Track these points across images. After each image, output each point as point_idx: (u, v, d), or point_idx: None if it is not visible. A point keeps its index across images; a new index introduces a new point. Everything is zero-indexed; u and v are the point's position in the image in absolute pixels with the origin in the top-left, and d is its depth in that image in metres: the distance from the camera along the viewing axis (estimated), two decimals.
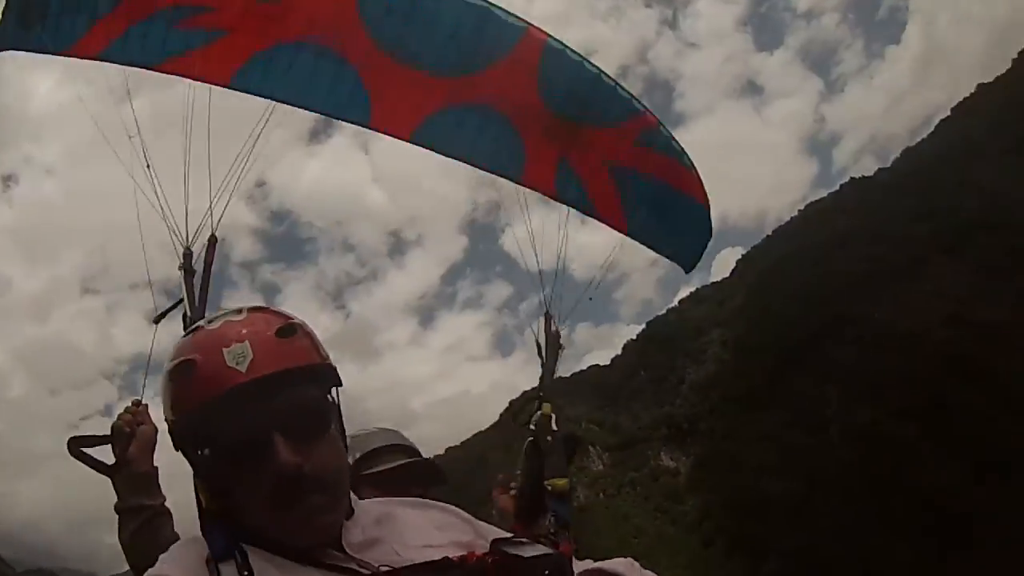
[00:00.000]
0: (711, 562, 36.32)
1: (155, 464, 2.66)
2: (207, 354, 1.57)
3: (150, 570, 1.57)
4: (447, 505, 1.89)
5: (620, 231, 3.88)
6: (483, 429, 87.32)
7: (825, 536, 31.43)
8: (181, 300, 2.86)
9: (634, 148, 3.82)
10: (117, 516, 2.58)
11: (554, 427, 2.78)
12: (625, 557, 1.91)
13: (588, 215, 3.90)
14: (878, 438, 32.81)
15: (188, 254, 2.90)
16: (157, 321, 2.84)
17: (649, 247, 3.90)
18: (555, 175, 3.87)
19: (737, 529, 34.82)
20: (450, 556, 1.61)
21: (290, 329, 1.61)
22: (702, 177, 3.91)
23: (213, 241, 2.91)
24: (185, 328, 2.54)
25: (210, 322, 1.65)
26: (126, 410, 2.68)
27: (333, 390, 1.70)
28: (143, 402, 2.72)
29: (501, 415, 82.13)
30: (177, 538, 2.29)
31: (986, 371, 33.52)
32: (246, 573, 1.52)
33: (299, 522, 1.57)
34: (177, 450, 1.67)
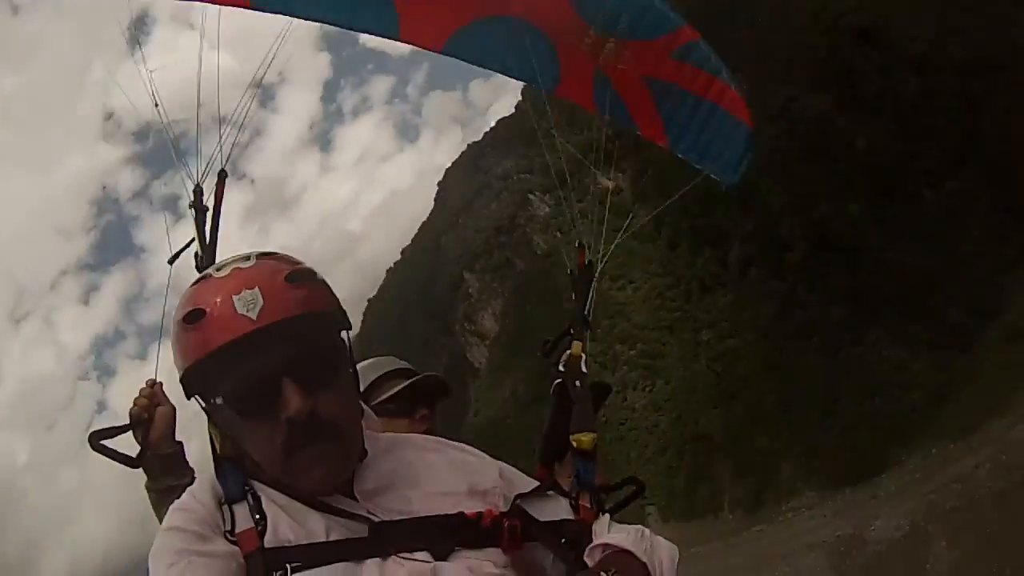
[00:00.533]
0: (681, 261, 38.55)
1: (179, 440, 2.61)
2: (217, 302, 1.57)
3: (174, 503, 1.67)
4: (468, 447, 1.90)
5: (661, 144, 4.07)
6: (426, 218, 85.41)
7: (777, 214, 33.13)
8: (193, 239, 2.82)
9: (671, 61, 3.93)
10: (148, 494, 2.57)
11: (583, 369, 2.54)
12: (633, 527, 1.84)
13: (625, 125, 4.11)
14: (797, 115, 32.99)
15: (198, 191, 2.84)
16: (172, 261, 2.80)
17: (689, 160, 4.08)
18: (592, 88, 4.02)
19: (695, 224, 36.56)
20: (465, 512, 1.64)
21: (299, 275, 1.63)
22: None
23: (223, 176, 2.85)
24: (197, 267, 2.67)
25: (219, 269, 1.65)
26: (141, 393, 2.61)
27: (344, 333, 1.72)
28: (158, 381, 2.65)
29: (438, 187, 79.14)
30: None
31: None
32: (257, 516, 1.59)
33: (310, 467, 1.60)
34: (189, 399, 1.69)
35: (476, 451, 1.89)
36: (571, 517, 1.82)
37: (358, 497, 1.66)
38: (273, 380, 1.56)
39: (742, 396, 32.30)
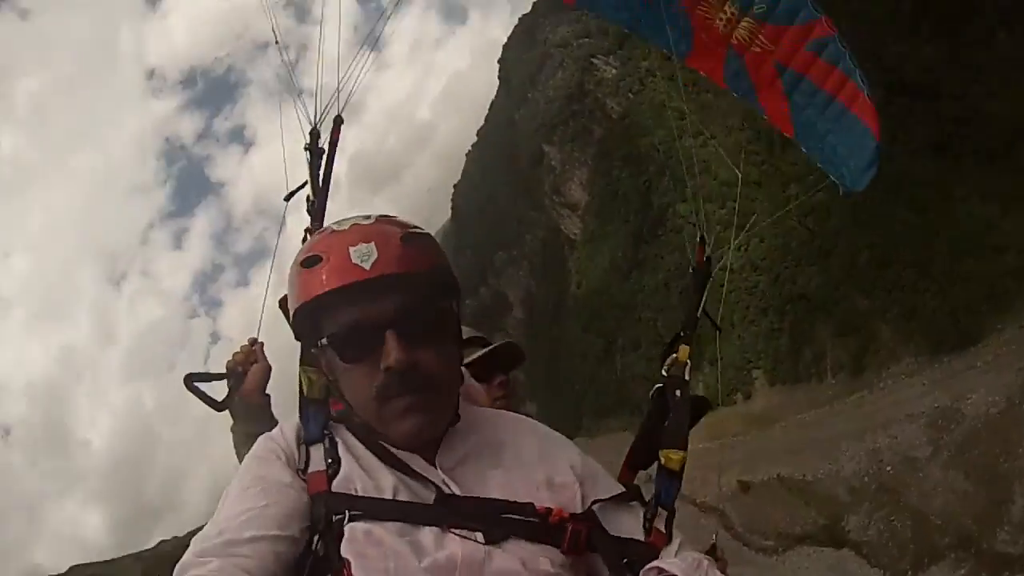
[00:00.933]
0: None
1: (267, 394, 2.72)
2: (334, 250, 1.64)
3: (263, 435, 1.76)
4: (558, 434, 1.91)
5: (786, 133, 4.04)
6: (494, 97, 79.15)
7: None
8: (307, 182, 2.85)
9: (806, 53, 3.88)
10: (232, 435, 2.71)
11: (686, 377, 2.44)
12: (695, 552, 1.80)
13: (751, 107, 4.11)
14: None
15: (315, 134, 2.86)
16: (288, 199, 2.87)
17: (811, 156, 4.05)
18: (724, 63, 4.02)
19: None
20: (535, 504, 1.64)
21: (415, 237, 1.69)
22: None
23: (339, 122, 2.86)
24: (308, 210, 2.69)
25: (339, 224, 1.73)
26: (240, 349, 2.75)
27: (453, 303, 1.77)
28: (259, 340, 2.76)
29: (499, 65, 74.33)
30: None
31: None
32: (330, 460, 1.64)
33: (401, 416, 1.65)
34: (297, 339, 1.80)
35: (565, 440, 1.89)
36: (640, 538, 1.76)
37: (437, 464, 1.68)
38: (377, 329, 1.62)
39: (836, 253, 30.99)
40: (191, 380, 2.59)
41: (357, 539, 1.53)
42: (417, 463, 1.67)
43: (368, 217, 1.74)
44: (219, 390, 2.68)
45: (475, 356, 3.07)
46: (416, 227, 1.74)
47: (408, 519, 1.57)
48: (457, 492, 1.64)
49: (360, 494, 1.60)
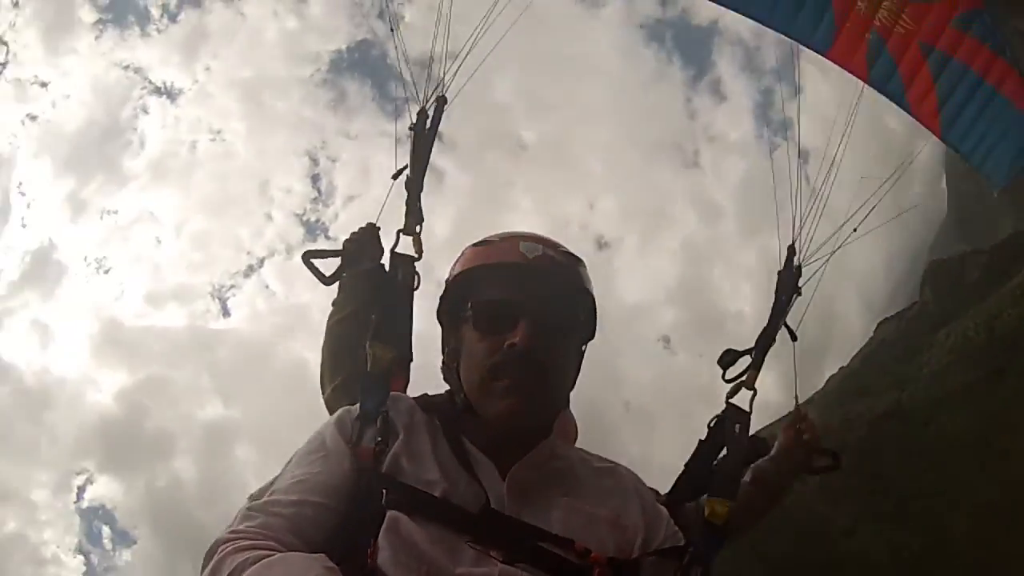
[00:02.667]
0: None
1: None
2: (506, 240, 1.87)
3: (345, 407, 1.83)
4: (634, 475, 1.91)
5: (931, 128, 3.62)
6: None
7: None
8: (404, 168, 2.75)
9: (952, 30, 3.48)
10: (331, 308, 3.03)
11: (748, 409, 2.24)
12: None
13: (898, 104, 3.58)
14: None
15: (422, 113, 2.79)
16: (395, 176, 2.74)
17: (959, 153, 3.70)
18: (867, 50, 3.51)
19: None
20: (579, 544, 1.62)
21: (576, 259, 1.90)
22: None
23: (443, 102, 2.79)
24: (406, 185, 2.55)
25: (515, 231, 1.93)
26: (359, 230, 2.94)
27: (587, 334, 1.93)
28: (377, 224, 2.90)
29: None
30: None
31: None
32: (380, 439, 1.69)
33: (505, 394, 1.72)
34: (440, 313, 1.94)
35: (640, 482, 1.90)
36: None
37: (509, 475, 1.69)
38: (517, 310, 1.74)
39: None
40: (309, 256, 2.65)
41: (392, 529, 1.54)
42: (485, 470, 1.69)
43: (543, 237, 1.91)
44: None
45: None
46: (581, 259, 1.93)
47: (448, 524, 1.56)
48: (503, 509, 1.63)
49: (406, 481, 1.62)
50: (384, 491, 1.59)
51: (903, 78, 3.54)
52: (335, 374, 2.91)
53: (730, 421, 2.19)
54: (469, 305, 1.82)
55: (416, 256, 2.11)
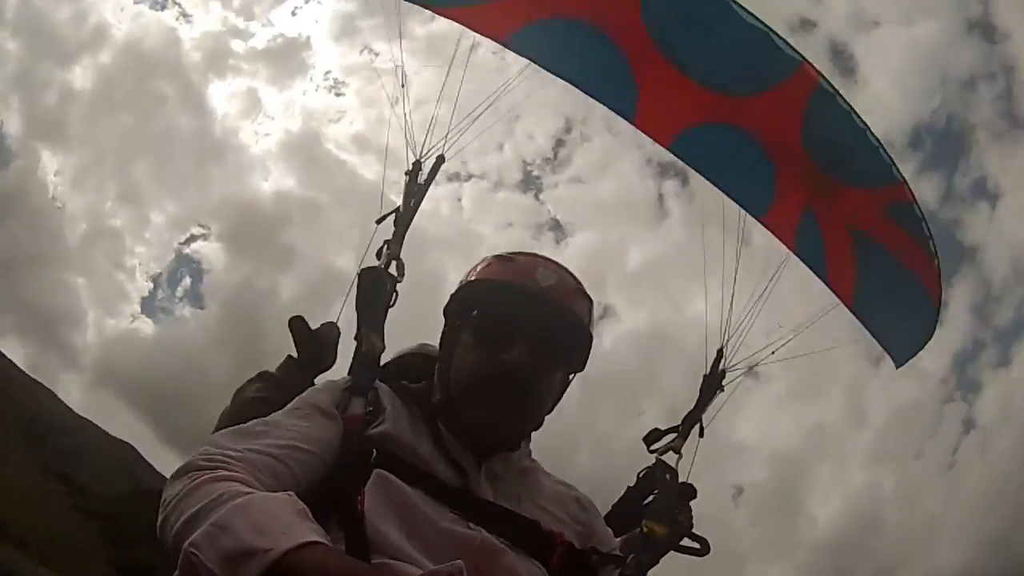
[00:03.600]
0: None
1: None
2: (526, 262, 1.99)
3: (328, 380, 2.00)
4: (582, 495, 2.12)
5: (845, 302, 3.79)
6: None
7: None
8: (398, 208, 3.05)
9: (883, 218, 3.69)
10: None
11: (676, 467, 2.74)
12: None
13: (817, 274, 3.78)
14: None
15: (417, 163, 3.10)
16: (379, 222, 3.04)
17: (868, 329, 3.85)
18: (799, 223, 3.71)
19: None
20: (546, 527, 1.82)
21: (586, 296, 2.05)
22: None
23: (440, 160, 3.11)
24: (395, 221, 2.89)
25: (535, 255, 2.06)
26: (321, 326, 2.79)
27: (572, 375, 2.07)
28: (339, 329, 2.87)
29: None
30: None
31: None
32: (371, 408, 1.83)
33: (486, 404, 1.84)
34: (446, 310, 2.07)
35: (591, 504, 2.12)
36: None
37: (483, 468, 1.84)
38: (517, 330, 1.85)
39: None
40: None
41: (379, 485, 1.61)
42: (463, 457, 1.81)
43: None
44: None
45: None
46: (590, 297, 2.04)
47: (431, 492, 1.67)
48: (479, 492, 1.78)
49: (396, 452, 1.73)
50: (376, 451, 1.70)
51: (826, 251, 3.75)
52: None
53: (660, 471, 2.64)
54: (475, 313, 1.94)
55: (398, 278, 2.47)
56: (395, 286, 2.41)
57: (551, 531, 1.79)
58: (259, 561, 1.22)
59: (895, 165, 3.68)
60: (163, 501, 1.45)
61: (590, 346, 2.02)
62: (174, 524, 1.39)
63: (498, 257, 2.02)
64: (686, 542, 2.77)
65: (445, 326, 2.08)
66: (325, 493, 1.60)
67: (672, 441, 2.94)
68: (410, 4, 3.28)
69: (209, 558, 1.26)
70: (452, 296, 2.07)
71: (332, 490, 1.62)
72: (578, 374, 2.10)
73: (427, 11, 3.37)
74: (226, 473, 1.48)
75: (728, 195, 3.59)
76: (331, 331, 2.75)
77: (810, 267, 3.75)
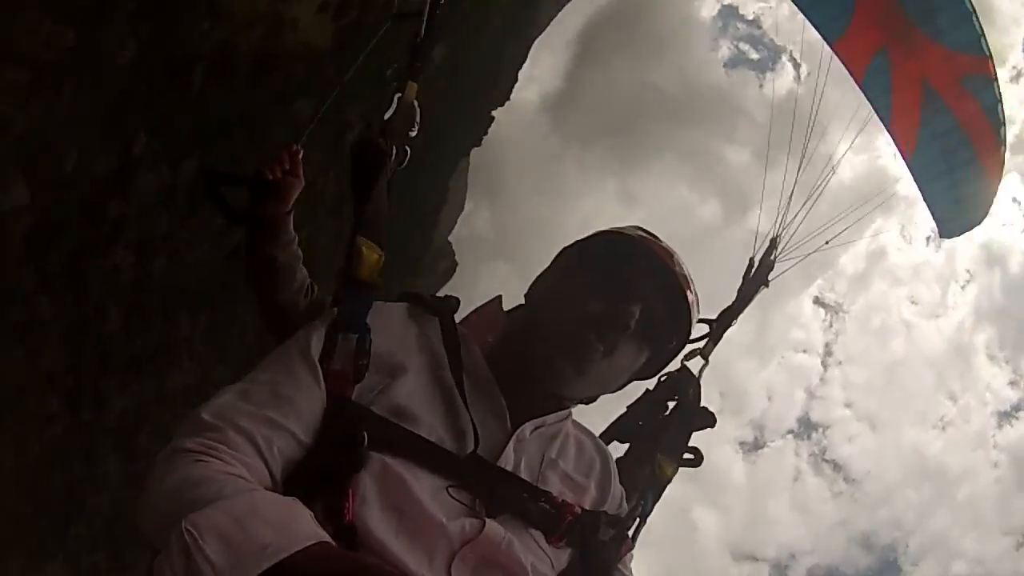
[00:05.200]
0: None
1: (290, 209, 2.43)
2: (658, 242, 1.77)
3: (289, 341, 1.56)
4: (604, 448, 1.90)
5: (902, 153, 3.70)
6: None
7: None
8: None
9: (958, 84, 3.62)
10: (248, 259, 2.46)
11: (698, 377, 2.38)
12: None
13: (880, 117, 3.69)
14: None
15: None
16: (398, 18, 2.49)
17: (920, 190, 3.74)
18: (871, 59, 3.64)
19: None
20: (552, 494, 1.61)
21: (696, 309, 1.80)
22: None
23: None
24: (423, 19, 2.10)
25: None
26: (278, 157, 2.42)
27: (670, 357, 1.88)
28: (299, 148, 2.45)
29: None
30: (298, 273, 2.42)
31: None
32: (363, 362, 1.46)
33: (566, 338, 1.63)
34: (555, 258, 1.83)
35: (609, 459, 1.87)
36: (610, 541, 1.75)
37: (516, 430, 1.58)
38: (635, 292, 1.66)
39: None
40: (213, 181, 2.36)
41: (374, 474, 1.37)
42: (491, 405, 1.57)
43: None
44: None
45: None
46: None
47: (436, 466, 1.43)
48: (497, 455, 1.53)
49: (391, 418, 1.43)
50: (368, 432, 1.40)
51: (893, 98, 3.67)
52: None
53: (683, 383, 2.27)
54: (590, 267, 1.73)
55: (410, 128, 1.86)
56: (405, 149, 1.84)
57: (563, 501, 1.60)
58: (264, 557, 1.10)
59: (984, 37, 3.65)
60: (150, 476, 1.30)
61: (674, 354, 1.89)
62: (163, 502, 1.24)
63: (639, 228, 1.84)
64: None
65: (557, 258, 1.85)
66: (305, 483, 1.36)
67: (706, 338, 2.59)
68: None
69: (207, 542, 1.12)
70: (576, 243, 1.84)
71: (314, 480, 1.37)
72: (643, 380, 1.95)
73: None
74: (216, 459, 1.28)
75: (804, 12, 3.58)
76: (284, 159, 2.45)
77: (874, 108, 3.67)
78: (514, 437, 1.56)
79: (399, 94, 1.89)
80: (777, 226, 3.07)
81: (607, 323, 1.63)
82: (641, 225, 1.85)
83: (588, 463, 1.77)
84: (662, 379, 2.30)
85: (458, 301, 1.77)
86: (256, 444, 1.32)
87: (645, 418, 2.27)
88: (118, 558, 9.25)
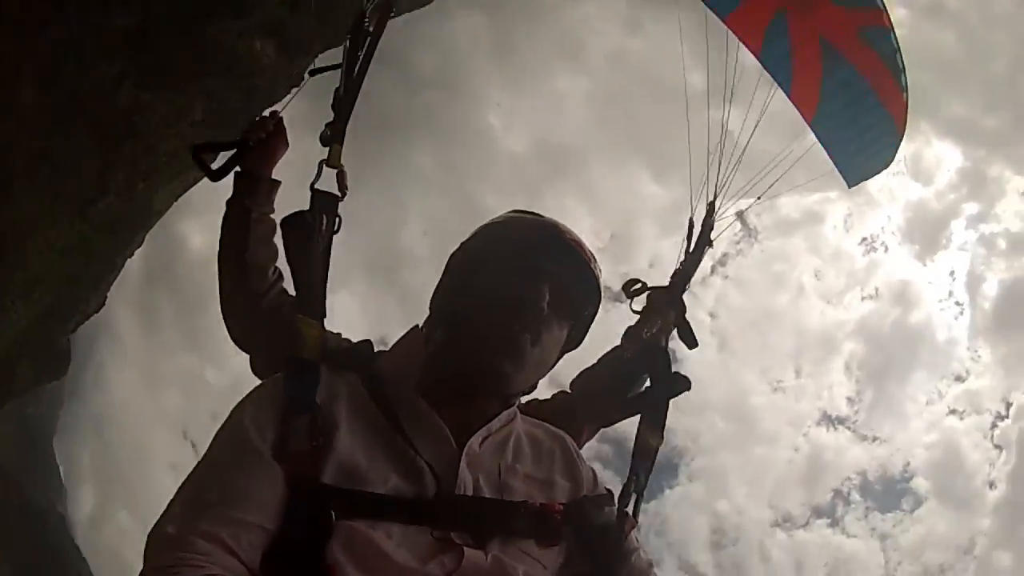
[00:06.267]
0: None
1: (276, 180, 2.57)
2: (547, 219, 1.77)
3: (231, 412, 1.54)
4: (563, 436, 1.88)
5: (804, 116, 3.80)
6: None
7: None
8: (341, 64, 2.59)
9: (856, 38, 3.72)
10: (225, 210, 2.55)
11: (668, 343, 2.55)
12: None
13: (780, 84, 3.77)
14: None
15: (361, 15, 2.50)
16: (312, 74, 2.64)
17: (823, 145, 3.84)
18: (768, 24, 3.75)
19: None
20: (528, 502, 1.59)
21: (592, 256, 1.77)
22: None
23: (388, 7, 2.57)
24: (334, 103, 2.19)
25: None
26: (260, 119, 2.57)
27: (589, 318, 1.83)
28: (280, 113, 2.60)
29: None
30: (273, 247, 2.49)
31: None
32: (318, 441, 1.45)
33: (494, 338, 1.62)
34: (454, 255, 1.79)
35: (571, 446, 1.85)
36: (612, 523, 1.74)
37: (466, 447, 1.58)
38: (539, 275, 1.65)
39: None
40: (198, 150, 2.49)
41: (345, 543, 1.36)
42: (435, 436, 1.56)
43: None
44: None
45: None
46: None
47: (409, 518, 1.43)
48: (457, 482, 1.52)
49: (355, 487, 1.43)
50: (338, 507, 1.39)
51: (793, 60, 3.78)
52: None
53: (651, 354, 2.33)
54: (489, 261, 1.70)
55: (340, 195, 1.84)
56: (335, 213, 1.80)
57: (541, 504, 1.59)
58: None
59: None
60: None
61: (594, 317, 1.84)
62: None
63: (515, 210, 1.81)
64: None
65: (444, 273, 1.81)
66: (282, 566, 1.35)
67: (667, 302, 2.79)
68: None
69: None
70: (462, 245, 1.80)
71: (290, 562, 1.35)
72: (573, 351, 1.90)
73: None
74: (191, 566, 1.27)
75: None
76: (264, 120, 2.60)
77: (772, 75, 3.78)
78: (464, 456, 1.55)
79: (323, 160, 1.92)
80: (711, 188, 3.30)
81: (524, 312, 1.62)
82: (520, 208, 1.85)
83: (548, 456, 1.75)
84: (637, 354, 2.54)
85: (371, 344, 1.81)
86: (224, 544, 1.31)
87: (620, 392, 2.46)
88: None
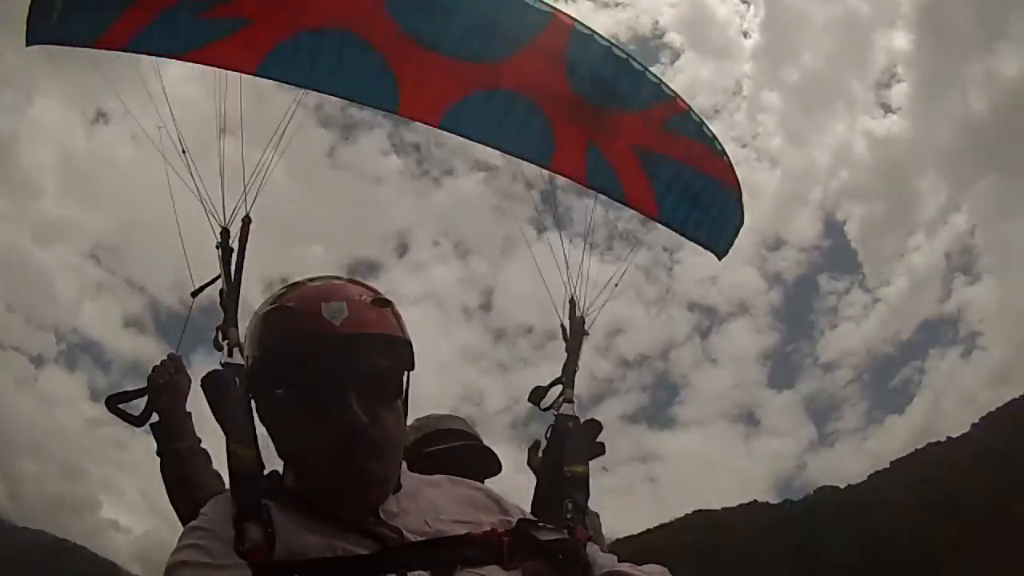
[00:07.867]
0: None
1: (189, 411, 2.94)
2: (306, 304, 1.69)
3: (191, 523, 1.66)
4: (479, 484, 1.99)
5: (651, 217, 4.05)
6: None
7: None
8: (218, 276, 2.94)
9: (663, 133, 3.93)
10: (159, 460, 2.84)
11: (575, 414, 2.91)
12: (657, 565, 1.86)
13: (619, 201, 4.04)
14: None
15: (225, 232, 3.00)
16: (195, 295, 3.02)
17: (681, 234, 4.11)
18: (585, 161, 3.94)
19: None
20: (472, 532, 1.68)
21: (384, 302, 1.77)
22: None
23: (247, 222, 3.00)
24: (221, 303, 2.75)
25: (312, 280, 1.80)
26: (162, 363, 2.95)
27: (406, 373, 1.82)
28: (177, 354, 3.01)
29: None
30: (214, 475, 2.75)
31: None
32: (269, 530, 1.57)
33: (353, 479, 1.65)
34: (249, 391, 1.85)
35: (488, 489, 1.95)
36: (566, 537, 1.81)
37: (382, 516, 1.68)
38: (341, 385, 1.64)
39: None
40: (114, 402, 2.71)
41: None
42: (360, 519, 1.65)
43: (339, 279, 1.80)
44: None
45: (450, 446, 3.16)
46: (384, 295, 1.80)
47: (373, 571, 1.55)
48: (400, 536, 1.63)
49: (305, 555, 1.55)
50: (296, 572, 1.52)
51: (620, 177, 3.99)
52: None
53: (563, 421, 2.84)
54: (284, 390, 1.71)
55: (243, 364, 2.02)
56: (244, 374, 1.99)
57: (483, 532, 1.68)
58: None
59: (664, 84, 3.96)
60: None
61: (410, 348, 1.81)
62: None
63: (271, 313, 1.75)
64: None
65: (257, 409, 1.86)
66: None
67: (563, 393, 3.15)
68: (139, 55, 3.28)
69: None
70: (248, 373, 1.85)
71: None
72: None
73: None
74: None
75: (510, 154, 3.85)
76: (164, 364, 2.97)
77: (609, 196, 4.03)
78: (391, 517, 1.67)
79: (226, 340, 2.48)
80: (571, 289, 3.67)
81: (351, 449, 1.63)
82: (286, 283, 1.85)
83: (469, 503, 1.84)
84: (547, 435, 2.92)
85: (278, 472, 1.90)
86: None
87: (546, 470, 2.82)
88: None
